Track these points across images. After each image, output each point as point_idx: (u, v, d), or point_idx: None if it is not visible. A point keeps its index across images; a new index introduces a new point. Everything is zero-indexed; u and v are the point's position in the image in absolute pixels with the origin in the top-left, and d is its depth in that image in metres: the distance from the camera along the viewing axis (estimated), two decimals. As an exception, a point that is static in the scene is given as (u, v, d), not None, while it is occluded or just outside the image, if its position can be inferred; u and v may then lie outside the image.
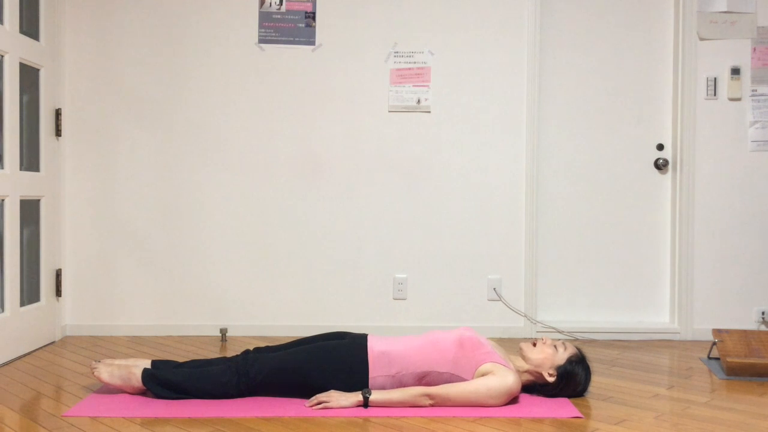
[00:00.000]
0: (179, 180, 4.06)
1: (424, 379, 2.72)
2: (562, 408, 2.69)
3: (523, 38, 4.11)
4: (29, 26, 3.67)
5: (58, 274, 3.94)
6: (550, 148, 4.22)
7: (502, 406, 2.68)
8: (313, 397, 2.67)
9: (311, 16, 4.07)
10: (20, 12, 3.53)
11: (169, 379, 2.73)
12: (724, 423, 2.57)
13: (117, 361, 2.86)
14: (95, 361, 2.85)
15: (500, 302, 4.12)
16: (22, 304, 3.59)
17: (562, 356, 2.79)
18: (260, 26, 4.07)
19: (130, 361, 2.87)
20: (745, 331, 3.46)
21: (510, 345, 3.84)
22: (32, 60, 3.62)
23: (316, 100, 4.08)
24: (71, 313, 4.03)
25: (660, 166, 4.19)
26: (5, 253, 3.41)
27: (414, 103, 4.09)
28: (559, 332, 4.09)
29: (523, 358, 2.83)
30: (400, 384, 2.72)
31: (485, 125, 4.12)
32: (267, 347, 2.92)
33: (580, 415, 2.62)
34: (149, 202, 4.05)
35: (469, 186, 4.12)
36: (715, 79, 4.11)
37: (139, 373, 2.76)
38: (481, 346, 2.73)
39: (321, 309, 4.08)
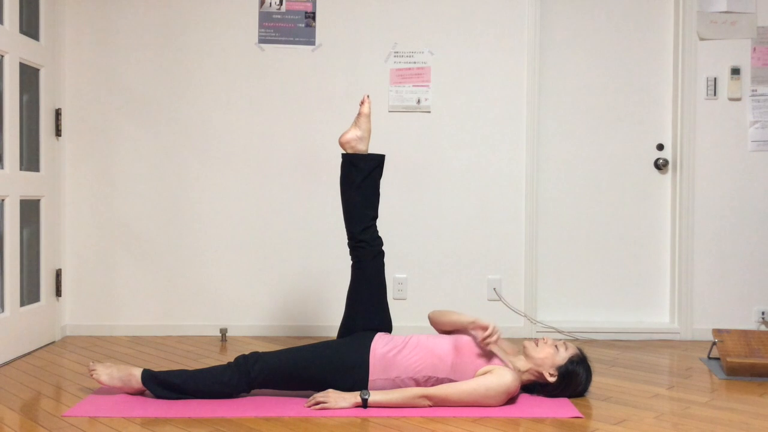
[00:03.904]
0: (179, 180, 4.06)
1: (424, 384, 2.72)
2: (562, 408, 2.69)
3: (523, 38, 4.11)
4: (29, 26, 3.67)
5: (58, 274, 3.94)
6: (550, 148, 4.22)
7: (500, 405, 2.68)
8: (312, 397, 2.68)
9: (311, 16, 4.07)
10: (20, 12, 3.53)
11: (170, 380, 2.73)
12: (724, 423, 2.58)
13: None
14: (92, 362, 2.84)
15: (500, 302, 4.12)
16: (22, 304, 3.59)
17: (563, 356, 2.79)
18: (260, 26, 4.07)
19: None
20: (745, 331, 3.46)
21: (509, 345, 3.83)
22: (32, 60, 3.62)
23: (316, 100, 4.08)
24: (71, 313, 4.03)
25: (660, 166, 4.19)
26: (5, 253, 3.41)
27: (414, 103, 4.09)
28: (559, 332, 4.09)
29: (526, 356, 2.83)
30: (400, 388, 2.72)
31: (485, 125, 4.12)
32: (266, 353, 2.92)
33: (580, 415, 2.62)
34: (149, 202, 4.05)
35: (469, 186, 4.12)
36: (715, 79, 4.11)
37: (138, 374, 2.75)
38: (479, 348, 2.73)
39: (321, 309, 4.08)
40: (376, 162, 3.04)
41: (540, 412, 2.64)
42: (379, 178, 3.06)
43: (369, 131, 3.07)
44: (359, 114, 3.07)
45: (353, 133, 3.04)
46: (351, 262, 3.05)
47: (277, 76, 4.08)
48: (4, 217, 3.40)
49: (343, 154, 3.06)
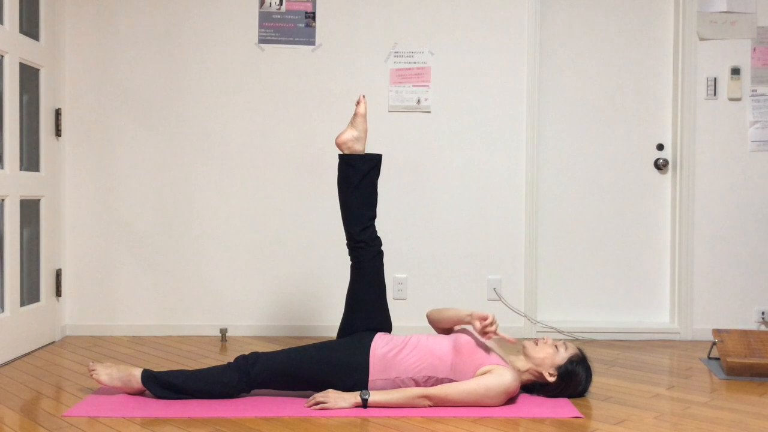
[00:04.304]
0: (179, 180, 4.06)
1: (423, 384, 2.72)
2: (562, 408, 2.69)
3: (523, 38, 4.11)
4: (29, 26, 3.67)
5: (58, 274, 3.94)
6: (550, 148, 4.22)
7: (500, 405, 2.68)
8: (311, 397, 2.68)
9: (311, 16, 4.07)
10: (20, 12, 3.53)
11: (169, 380, 2.73)
12: (724, 423, 2.58)
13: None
14: (92, 362, 2.84)
15: (500, 302, 4.12)
16: (22, 304, 3.59)
17: (562, 356, 2.79)
18: (260, 26, 4.07)
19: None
20: (745, 331, 3.46)
21: (510, 345, 3.84)
22: (32, 60, 3.62)
23: (316, 100, 4.09)
24: (71, 313, 4.03)
25: (660, 166, 4.19)
26: (5, 253, 3.41)
27: (414, 103, 4.09)
28: (559, 332, 4.09)
29: (525, 355, 2.82)
30: (400, 388, 2.72)
31: (485, 125, 4.12)
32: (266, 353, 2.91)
33: (580, 415, 2.62)
34: (149, 202, 4.05)
35: (469, 186, 4.12)
36: (715, 79, 4.11)
37: (138, 374, 2.75)
38: (478, 348, 2.73)
39: (321, 309, 4.08)
40: (373, 162, 3.02)
41: (540, 412, 2.64)
42: (377, 178, 3.04)
43: (365, 131, 3.04)
44: (355, 114, 3.04)
45: (349, 134, 3.01)
46: (350, 263, 3.05)
47: (277, 76, 4.08)
48: (4, 217, 3.40)
49: (340, 155, 3.04)
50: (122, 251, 4.05)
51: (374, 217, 3.04)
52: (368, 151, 4.07)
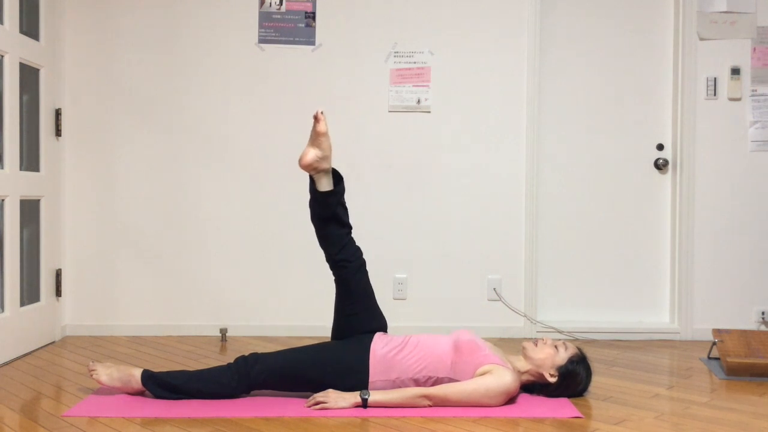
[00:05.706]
0: (179, 180, 4.06)
1: (424, 384, 2.72)
2: (562, 408, 2.69)
3: (523, 38, 4.11)
4: (29, 26, 3.67)
5: (58, 274, 3.94)
6: (550, 148, 4.22)
7: (500, 405, 2.68)
8: (311, 397, 2.67)
9: (311, 16, 4.07)
10: (20, 12, 3.53)
11: (169, 381, 2.73)
12: (724, 423, 2.58)
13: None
14: (92, 361, 2.84)
15: (500, 302, 4.12)
16: (22, 304, 3.59)
17: (562, 356, 2.79)
18: (260, 26, 4.07)
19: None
20: (745, 331, 3.46)
21: (510, 345, 3.84)
22: (32, 60, 3.62)
23: (316, 100, 4.08)
24: (71, 313, 4.03)
25: (660, 166, 4.19)
26: (5, 253, 3.41)
27: (414, 103, 4.09)
28: (559, 332, 4.09)
29: (525, 356, 2.82)
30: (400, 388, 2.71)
31: (485, 125, 4.12)
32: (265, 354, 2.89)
33: (580, 415, 2.62)
34: (149, 202, 4.05)
35: (469, 186, 4.12)
36: (715, 79, 4.11)
37: (138, 374, 2.75)
38: (479, 348, 2.72)
39: (321, 309, 4.08)
40: (341, 191, 2.83)
41: (540, 412, 2.64)
42: (343, 196, 2.86)
43: (330, 148, 2.75)
44: (316, 134, 2.72)
45: (313, 155, 2.72)
46: (333, 278, 2.92)
47: (277, 76, 4.08)
48: (4, 217, 3.40)
49: (311, 192, 2.83)
50: (122, 251, 4.05)
51: (350, 230, 2.91)
52: (370, 151, 4.08)
